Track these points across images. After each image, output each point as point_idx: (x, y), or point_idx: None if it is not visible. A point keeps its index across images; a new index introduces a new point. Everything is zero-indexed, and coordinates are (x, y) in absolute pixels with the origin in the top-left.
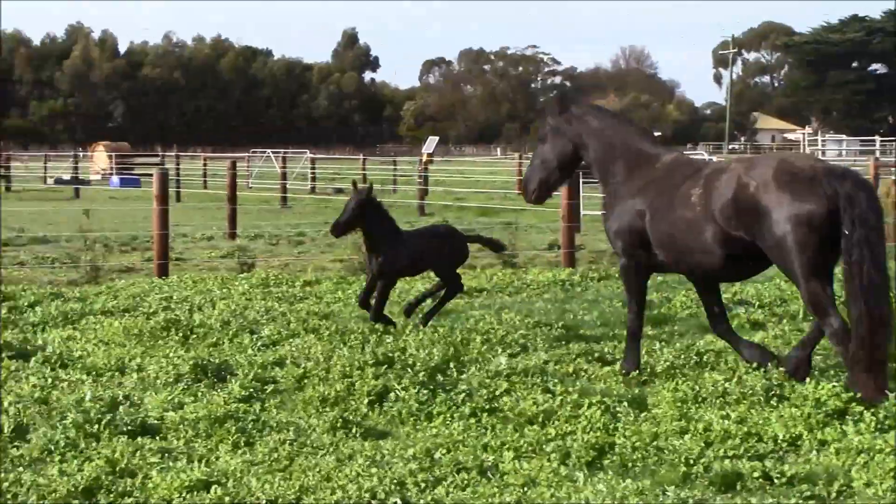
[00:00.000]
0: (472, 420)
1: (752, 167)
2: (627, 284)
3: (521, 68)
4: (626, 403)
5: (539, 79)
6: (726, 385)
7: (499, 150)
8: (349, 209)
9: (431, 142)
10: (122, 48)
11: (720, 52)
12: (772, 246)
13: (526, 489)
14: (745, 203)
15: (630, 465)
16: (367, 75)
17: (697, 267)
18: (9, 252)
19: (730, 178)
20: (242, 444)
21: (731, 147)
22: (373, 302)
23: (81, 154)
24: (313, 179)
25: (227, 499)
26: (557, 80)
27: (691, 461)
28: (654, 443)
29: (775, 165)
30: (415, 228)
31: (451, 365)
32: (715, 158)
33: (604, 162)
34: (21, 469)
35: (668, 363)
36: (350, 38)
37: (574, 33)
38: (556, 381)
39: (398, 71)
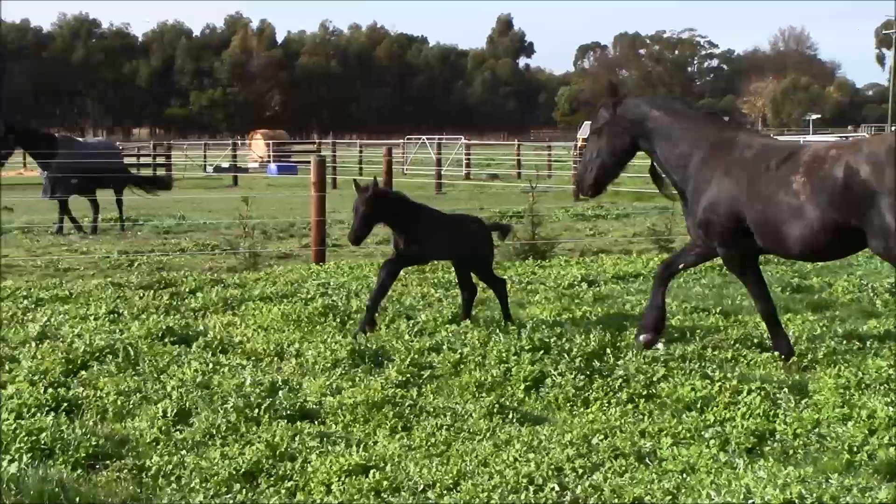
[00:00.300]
0: (630, 406)
1: (859, 150)
2: (732, 270)
3: (677, 52)
4: (786, 390)
5: (696, 62)
6: (890, 371)
7: None
8: (358, 213)
9: (586, 127)
10: (280, 38)
11: (883, 31)
12: (878, 231)
13: (685, 475)
14: (856, 188)
15: (791, 452)
16: (522, 61)
17: (796, 251)
18: (170, 239)
19: (837, 163)
20: (400, 428)
21: (893, 128)
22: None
23: (240, 142)
24: (468, 165)
25: (385, 483)
26: (714, 63)
27: (855, 449)
28: (816, 430)
29: (885, 147)
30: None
31: (608, 350)
32: (803, 140)
33: (673, 150)
34: (184, 452)
35: (829, 349)
36: (505, 24)
37: (732, 15)
38: (714, 366)
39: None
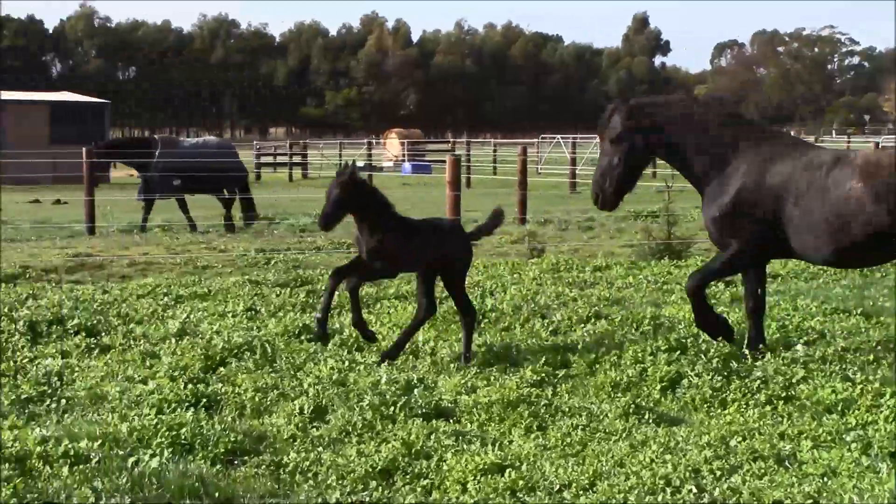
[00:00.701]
0: (768, 408)
1: None
2: (729, 269)
3: (816, 49)
4: None
5: (836, 60)
6: None
7: (792, 132)
8: (332, 197)
9: None
10: (415, 37)
11: None
12: None
13: (826, 479)
14: None
15: None
16: (658, 59)
17: (837, 254)
18: (306, 237)
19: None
20: (535, 428)
21: None
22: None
23: (375, 141)
24: None
25: (521, 482)
26: (855, 60)
27: None
28: None
29: None
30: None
31: (746, 352)
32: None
33: (696, 152)
34: (321, 449)
35: None
36: (641, 22)
37: (874, 12)
38: (855, 368)
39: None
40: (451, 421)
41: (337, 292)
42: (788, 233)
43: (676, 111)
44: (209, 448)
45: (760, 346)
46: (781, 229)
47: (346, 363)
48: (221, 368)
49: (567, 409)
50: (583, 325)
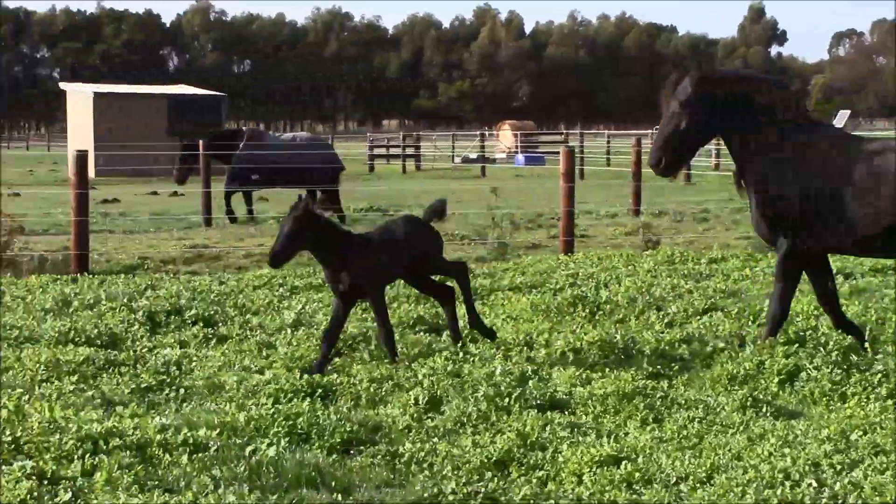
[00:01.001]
0: (890, 401)
1: None
2: (782, 271)
3: None
4: None
5: None
6: None
7: None
8: (284, 231)
9: (843, 115)
10: (528, 28)
11: None
12: None
13: None
14: None
15: None
16: (774, 49)
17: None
18: None
19: None
20: (651, 420)
21: None
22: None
23: (487, 133)
24: (717, 156)
25: (636, 475)
26: None
27: None
28: None
29: None
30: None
31: (866, 345)
32: None
33: (749, 133)
34: (436, 439)
35: None
36: (757, 12)
37: None
38: None
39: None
40: (566, 412)
41: None
42: (844, 227)
43: (744, 88)
44: (325, 438)
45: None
46: (832, 221)
47: (461, 354)
48: (337, 359)
49: (683, 402)
50: (699, 317)
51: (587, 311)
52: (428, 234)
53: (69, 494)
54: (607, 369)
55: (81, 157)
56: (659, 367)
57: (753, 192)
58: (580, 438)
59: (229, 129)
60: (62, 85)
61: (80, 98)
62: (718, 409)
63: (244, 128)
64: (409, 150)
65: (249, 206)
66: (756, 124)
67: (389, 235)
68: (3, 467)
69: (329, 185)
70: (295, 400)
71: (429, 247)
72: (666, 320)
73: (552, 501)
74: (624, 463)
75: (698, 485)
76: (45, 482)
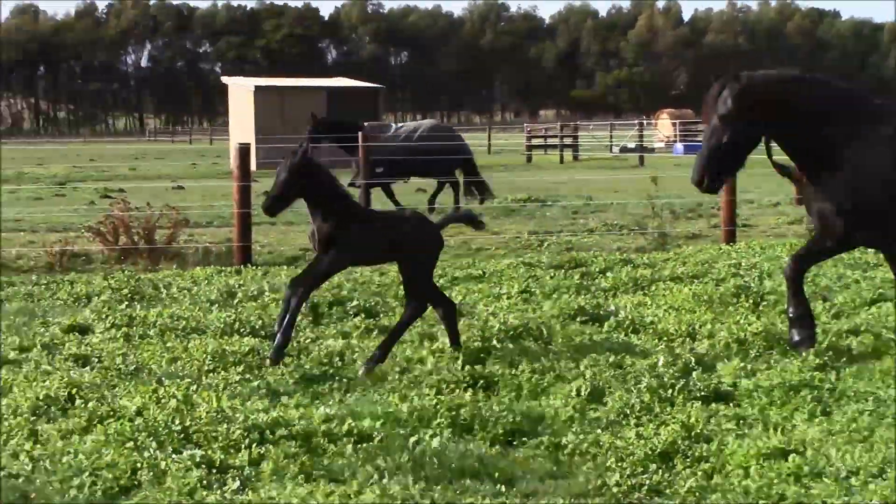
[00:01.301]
0: None
1: None
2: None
3: None
4: None
5: None
6: None
7: None
8: (280, 180)
9: None
10: (686, 16)
11: None
12: None
13: None
14: None
15: None
16: None
17: None
18: (578, 220)
19: None
20: (819, 412)
21: None
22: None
23: (645, 122)
24: None
25: (805, 468)
26: None
27: None
28: None
29: None
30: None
31: None
32: None
33: (816, 128)
34: (599, 430)
35: None
36: None
37: None
38: None
39: None
40: (731, 404)
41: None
42: None
43: (791, 91)
44: (488, 429)
45: None
46: None
47: (623, 345)
48: (498, 349)
49: (852, 394)
50: (866, 307)
51: (750, 301)
52: (425, 238)
53: (237, 483)
54: (772, 360)
55: (243, 150)
56: (826, 358)
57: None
58: (746, 431)
59: (347, 120)
60: (224, 79)
61: (241, 92)
62: (889, 402)
63: (364, 123)
64: (567, 140)
65: (392, 199)
66: (813, 124)
67: (383, 223)
68: (174, 456)
69: (464, 173)
70: (457, 391)
71: (417, 251)
72: (833, 311)
73: (718, 494)
74: (792, 456)
75: (870, 479)
76: (214, 471)
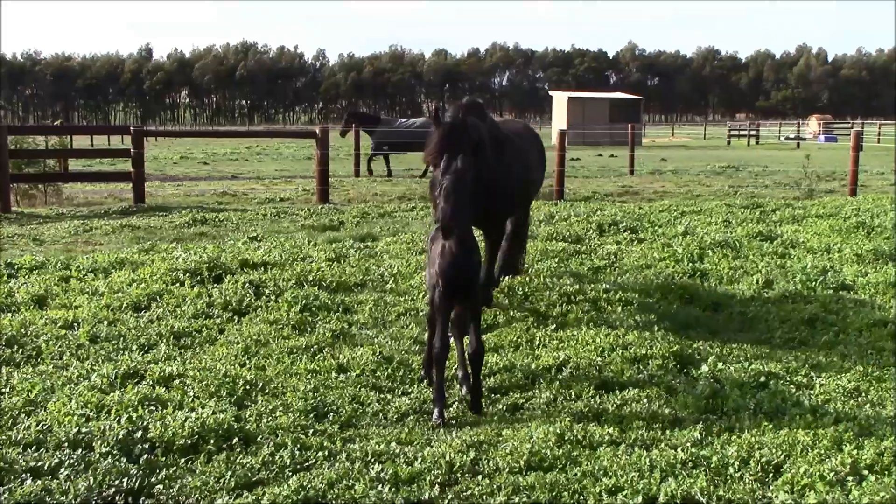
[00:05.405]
0: None
1: None
2: None
3: None
4: None
5: None
6: None
7: None
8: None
9: None
10: (830, 57)
11: None
12: None
13: None
14: None
15: None
16: None
17: None
18: (759, 179)
19: None
20: None
21: None
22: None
23: (801, 122)
24: None
25: None
26: None
27: None
28: None
29: None
30: None
31: None
32: None
33: None
34: (769, 305)
35: None
36: None
37: None
38: None
39: None
40: (851, 293)
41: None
42: None
43: None
44: (701, 301)
45: None
46: None
47: (784, 254)
48: (709, 255)
49: None
50: None
51: (865, 231)
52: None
53: None
54: (878, 267)
55: (562, 133)
56: None
57: None
58: (860, 309)
59: (373, 113)
60: (551, 93)
61: (560, 100)
62: None
63: (381, 115)
64: (752, 132)
65: (388, 167)
66: None
67: None
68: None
69: None
70: (684, 278)
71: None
72: None
73: (843, 346)
74: (889, 325)
75: None
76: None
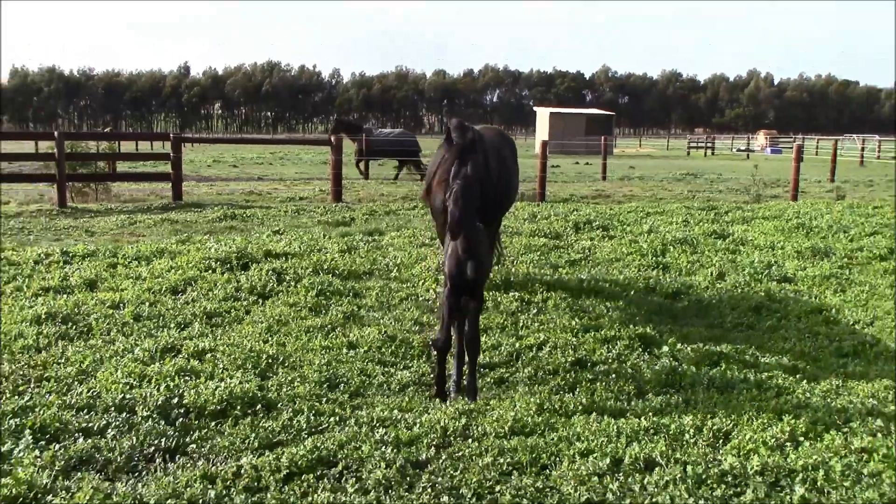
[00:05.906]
0: None
1: None
2: None
3: None
4: None
5: None
6: None
7: None
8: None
9: None
10: (776, 80)
11: None
12: None
13: None
14: None
15: None
16: None
17: None
18: (713, 184)
19: None
20: (839, 289)
21: None
22: None
23: (750, 136)
24: (878, 149)
25: (834, 313)
26: None
27: None
28: None
29: None
30: None
31: None
32: None
33: None
34: (722, 294)
35: None
36: None
37: None
38: None
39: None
40: (791, 284)
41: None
42: None
43: None
44: (663, 290)
45: None
46: None
47: (735, 251)
48: (671, 251)
49: (857, 281)
50: (868, 236)
51: (804, 231)
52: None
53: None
54: (814, 262)
55: (544, 144)
56: (845, 261)
57: None
58: (801, 298)
59: (357, 122)
60: (535, 108)
61: (542, 115)
62: (878, 285)
63: (364, 125)
64: (708, 144)
65: (366, 171)
66: None
67: None
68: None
69: (412, 158)
70: (649, 270)
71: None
72: (849, 237)
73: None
74: (824, 311)
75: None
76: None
